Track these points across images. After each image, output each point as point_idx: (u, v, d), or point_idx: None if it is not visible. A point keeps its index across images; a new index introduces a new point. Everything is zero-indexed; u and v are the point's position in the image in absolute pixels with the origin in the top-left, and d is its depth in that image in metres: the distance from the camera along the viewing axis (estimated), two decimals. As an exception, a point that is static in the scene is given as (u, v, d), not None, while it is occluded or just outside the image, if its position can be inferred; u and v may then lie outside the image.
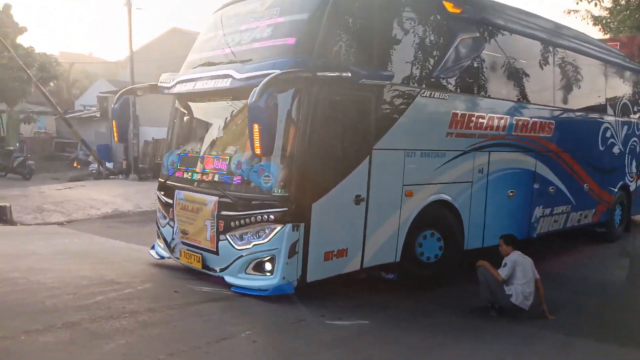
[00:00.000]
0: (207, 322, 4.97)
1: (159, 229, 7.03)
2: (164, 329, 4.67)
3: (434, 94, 6.85)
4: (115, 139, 7.05)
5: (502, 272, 6.27)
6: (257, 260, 5.71)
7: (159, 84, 7.01)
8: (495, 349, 5.22)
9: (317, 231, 5.72)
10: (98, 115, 24.99)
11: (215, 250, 6.00)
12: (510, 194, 8.24)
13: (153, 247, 7.20)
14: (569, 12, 18.78)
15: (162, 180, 6.89)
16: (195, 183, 6.36)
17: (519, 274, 6.26)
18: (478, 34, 7.42)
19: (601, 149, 10.40)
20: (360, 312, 5.84)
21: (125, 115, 7.05)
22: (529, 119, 8.40)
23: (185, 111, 6.97)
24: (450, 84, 7.13)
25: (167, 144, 7.27)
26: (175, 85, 6.66)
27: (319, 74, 5.44)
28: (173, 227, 6.62)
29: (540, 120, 8.64)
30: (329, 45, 5.77)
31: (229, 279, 5.88)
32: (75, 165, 23.48)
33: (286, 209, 5.56)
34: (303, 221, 5.62)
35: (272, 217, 5.59)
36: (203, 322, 4.95)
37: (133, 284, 5.75)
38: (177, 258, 6.59)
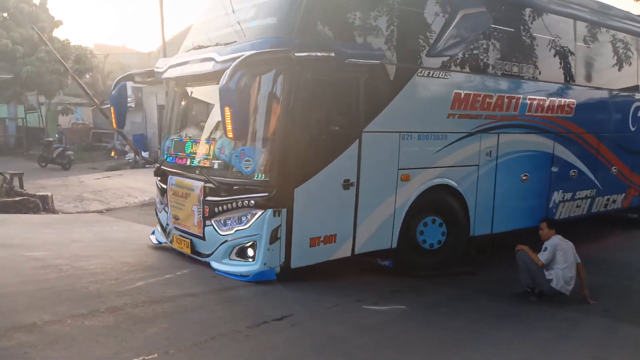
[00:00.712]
0: (245, 306, 5.02)
1: (157, 214, 7.06)
2: (204, 313, 4.73)
3: (433, 73, 6.52)
4: (114, 124, 7.10)
5: (542, 257, 6.06)
6: (240, 245, 5.63)
7: (155, 69, 7.00)
8: (537, 334, 5.03)
9: (300, 216, 5.57)
10: (133, 105, 25.50)
11: (202, 235, 5.95)
12: (524, 178, 7.81)
13: (153, 232, 7.24)
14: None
15: (158, 166, 6.90)
16: (185, 168, 6.32)
17: (560, 258, 6.05)
18: (484, 8, 7.01)
19: (632, 129, 9.72)
20: (397, 298, 5.79)
21: (123, 101, 7.08)
22: (545, 98, 7.91)
23: (178, 96, 6.92)
24: (452, 62, 6.77)
25: (164, 129, 7.25)
26: (167, 69, 6.63)
27: (296, 54, 5.24)
28: (167, 213, 6.62)
29: (559, 99, 8.13)
30: (311, 23, 5.55)
31: (214, 264, 5.83)
32: (112, 154, 24.10)
33: (267, 194, 5.43)
34: (285, 206, 5.48)
35: (252, 202, 5.48)
36: (241, 307, 5.00)
37: (171, 270, 5.82)
38: (171, 243, 6.60)
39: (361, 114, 5.93)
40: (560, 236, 6.29)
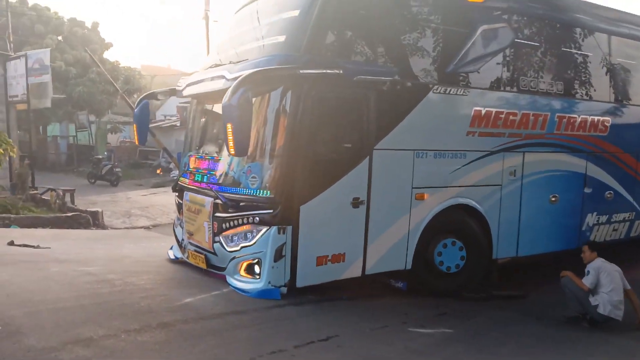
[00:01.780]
0: (292, 325, 5.03)
1: (174, 229, 7.15)
2: (251, 331, 4.78)
3: (450, 90, 6.36)
4: (136, 141, 7.28)
5: (587, 281, 5.86)
6: (247, 262, 5.60)
7: (176, 88, 7.16)
8: None
9: (307, 234, 5.50)
10: (178, 124, 26.31)
11: (213, 251, 5.97)
12: (553, 199, 7.46)
13: (172, 248, 7.33)
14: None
15: (177, 182, 7.01)
16: (199, 184, 6.38)
17: (604, 281, 5.82)
18: (505, 24, 6.82)
19: (676, 148, 9.14)
20: (443, 321, 5.72)
21: (145, 118, 7.26)
22: (576, 116, 7.58)
23: (196, 113, 7.05)
24: (471, 78, 6.59)
25: (184, 146, 7.39)
26: (185, 88, 6.76)
27: (302, 71, 5.23)
28: (183, 228, 6.70)
29: (592, 117, 7.76)
30: (319, 41, 5.54)
31: (228, 279, 5.83)
32: (158, 172, 24.82)
33: (271, 211, 5.40)
34: (290, 224, 5.43)
35: (257, 219, 5.46)
36: (287, 326, 5.00)
37: (218, 287, 5.86)
38: (187, 258, 6.65)
39: (372, 132, 5.83)
40: (602, 259, 6.06)
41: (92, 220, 11.45)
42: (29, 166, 14.88)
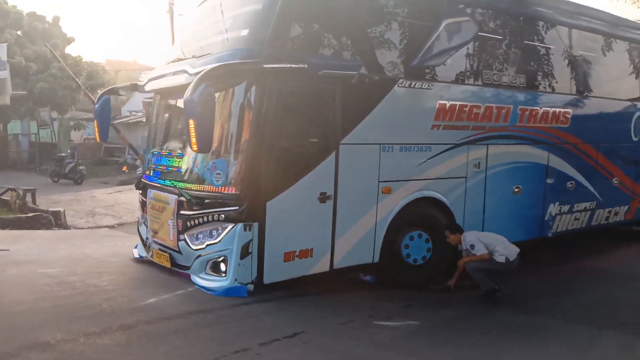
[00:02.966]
0: (258, 322, 4.97)
1: (138, 228, 7.01)
2: (216, 331, 4.71)
3: (415, 84, 6.39)
4: (97, 138, 7.09)
5: (481, 250, 6.12)
6: (213, 260, 5.53)
7: (138, 82, 7.00)
8: (556, 350, 4.90)
9: (273, 231, 5.46)
10: (144, 120, 25.82)
11: (177, 249, 5.88)
12: (516, 190, 7.60)
13: (136, 246, 7.19)
14: (616, -4, 17.29)
15: (140, 179, 6.86)
16: (163, 181, 6.26)
17: (488, 241, 6.19)
18: (468, 18, 6.88)
19: (634, 139, 9.42)
20: (410, 313, 5.71)
21: (106, 115, 7.07)
22: (538, 108, 7.72)
23: (159, 108, 6.91)
24: (436, 72, 6.64)
25: (147, 142, 7.23)
26: (147, 82, 6.62)
27: (265, 65, 5.17)
28: (147, 226, 6.57)
29: (553, 109, 7.92)
30: (283, 35, 5.49)
31: (193, 278, 5.75)
32: (123, 169, 24.27)
33: (237, 207, 5.34)
34: (257, 220, 5.38)
35: (222, 216, 5.39)
36: (254, 323, 4.94)
37: (183, 286, 5.75)
38: (151, 257, 6.53)
39: (338, 126, 5.82)
40: (468, 231, 6.44)
41: (54, 221, 11.08)
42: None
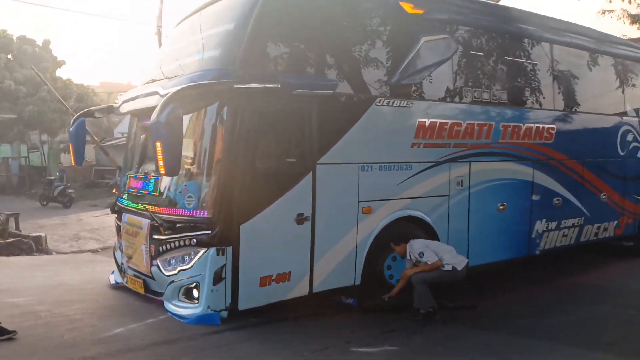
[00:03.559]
0: (227, 353, 4.74)
1: (114, 253, 6.84)
2: None
3: (393, 102, 6.30)
4: (72, 161, 6.96)
5: (431, 258, 5.92)
6: (185, 286, 5.36)
7: (114, 104, 6.90)
8: None
9: (248, 255, 5.31)
10: (135, 141, 25.77)
11: (151, 275, 5.71)
12: (501, 207, 7.47)
13: (113, 272, 7.01)
14: (603, 13, 17.49)
15: (115, 203, 6.71)
16: (136, 205, 6.11)
17: (435, 250, 6.02)
18: (446, 36, 6.82)
19: (621, 154, 9.34)
20: (389, 338, 5.47)
21: (81, 138, 6.96)
22: (521, 124, 7.63)
23: (134, 130, 6.80)
24: (415, 89, 6.56)
25: (123, 165, 7.10)
26: (121, 104, 6.52)
27: (236, 86, 5.06)
28: (122, 251, 6.40)
29: (536, 125, 7.84)
30: (256, 55, 5.39)
31: (166, 305, 5.57)
32: (114, 191, 23.92)
33: (209, 231, 5.19)
34: (230, 244, 5.22)
35: (194, 240, 5.24)
36: (222, 354, 4.71)
37: (157, 313, 5.57)
38: (126, 283, 6.34)
39: (314, 146, 5.70)
40: (413, 240, 6.18)
41: (35, 246, 10.83)
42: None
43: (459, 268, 5.94)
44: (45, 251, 11.04)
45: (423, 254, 5.92)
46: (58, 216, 17.02)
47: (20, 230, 12.17)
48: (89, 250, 11.54)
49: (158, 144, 4.65)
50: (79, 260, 10.08)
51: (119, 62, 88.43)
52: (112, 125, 30.31)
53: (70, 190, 20.62)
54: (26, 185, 24.49)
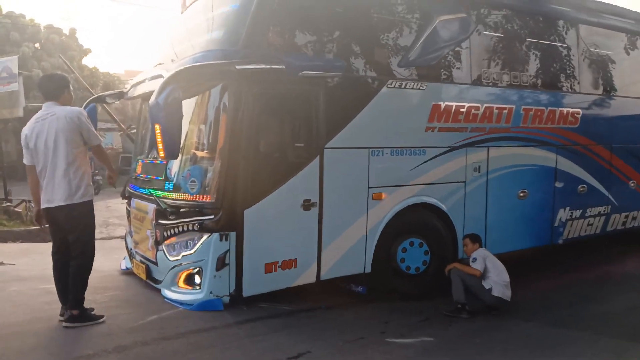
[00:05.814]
0: (262, 342, 4.63)
1: (125, 238, 6.82)
2: (217, 353, 4.39)
3: (406, 85, 6.06)
4: (84, 147, 6.92)
5: (476, 266, 5.76)
6: (187, 272, 5.27)
7: (124, 90, 6.85)
8: None
9: (252, 241, 5.19)
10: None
11: (155, 261, 5.65)
12: (522, 195, 7.17)
13: (125, 258, 6.99)
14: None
15: (125, 188, 6.68)
16: (143, 191, 6.05)
17: (490, 265, 5.79)
18: (464, 14, 6.52)
19: (653, 139, 8.87)
20: (426, 328, 5.31)
21: (92, 123, 6.91)
22: (543, 108, 7.29)
23: (143, 114, 6.73)
24: (429, 71, 6.29)
25: (134, 150, 7.05)
26: (130, 89, 6.45)
27: (238, 67, 4.90)
28: (132, 237, 6.37)
29: (561, 109, 7.48)
30: (259, 35, 5.21)
31: (163, 291, 5.49)
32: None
33: (212, 216, 5.08)
34: (234, 230, 5.10)
35: (197, 225, 5.14)
36: (258, 343, 4.60)
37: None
38: (133, 269, 6.31)
39: (322, 130, 5.52)
40: (483, 247, 6.11)
41: (65, 233, 10.91)
42: (1, 177, 14.40)
43: (494, 293, 5.70)
44: (76, 238, 11.10)
45: (476, 259, 5.83)
46: (87, 203, 17.21)
47: (51, 218, 12.27)
48: (119, 237, 11.59)
49: (156, 126, 4.55)
50: (108, 247, 10.06)
51: (143, 49, 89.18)
52: (137, 113, 30.59)
53: (98, 177, 20.88)
54: (56, 172, 24.94)
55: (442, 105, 6.30)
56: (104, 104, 7.49)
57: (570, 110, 7.58)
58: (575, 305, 6.07)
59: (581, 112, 7.70)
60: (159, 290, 5.61)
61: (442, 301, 5.85)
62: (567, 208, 7.73)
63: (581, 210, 7.91)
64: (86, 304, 4.92)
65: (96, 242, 10.57)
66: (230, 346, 4.51)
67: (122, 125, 23.98)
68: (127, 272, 6.62)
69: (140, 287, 6.11)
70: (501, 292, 5.68)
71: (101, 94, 7.34)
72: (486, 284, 5.72)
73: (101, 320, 4.85)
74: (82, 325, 4.72)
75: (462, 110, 6.46)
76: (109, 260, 8.19)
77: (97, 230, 11.81)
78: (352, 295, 6.03)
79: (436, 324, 5.41)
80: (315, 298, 5.67)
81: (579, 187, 7.83)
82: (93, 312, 4.91)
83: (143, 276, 5.85)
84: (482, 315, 5.65)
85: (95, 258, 8.23)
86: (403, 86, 6.02)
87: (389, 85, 5.93)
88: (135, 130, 8.46)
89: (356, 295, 6.05)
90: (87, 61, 26.03)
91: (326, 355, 4.44)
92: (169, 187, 5.51)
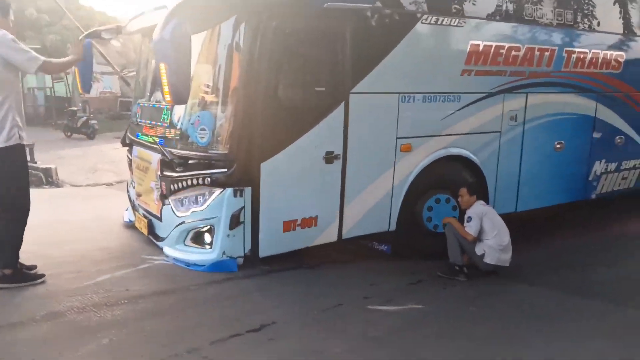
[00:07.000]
0: (223, 310, 4.07)
1: (127, 189, 6.29)
2: (166, 322, 3.84)
3: (443, 21, 5.34)
4: (79, 87, 6.27)
5: (470, 229, 5.08)
6: (196, 229, 4.75)
7: (123, 25, 6.11)
8: (593, 345, 3.82)
9: (270, 196, 4.64)
10: (160, 71, 24.97)
11: (159, 216, 5.12)
12: (558, 146, 6.58)
13: (127, 209, 6.48)
14: None
15: (125, 134, 6.08)
16: (146, 138, 5.45)
17: (487, 226, 5.11)
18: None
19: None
20: (417, 293, 4.72)
21: (88, 61, 6.19)
22: (587, 50, 6.58)
23: (143, 52, 6.03)
24: (468, 6, 5.55)
25: (135, 92, 6.38)
26: (129, 23, 5.73)
27: None
28: (134, 188, 5.83)
29: (604, 51, 6.77)
30: None
31: (166, 249, 4.99)
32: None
33: (225, 170, 4.50)
34: (249, 184, 4.55)
35: (209, 179, 4.57)
36: (217, 311, 4.04)
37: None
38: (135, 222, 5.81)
39: (347, 72, 4.86)
40: (482, 202, 5.40)
41: (45, 178, 10.25)
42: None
43: (487, 260, 5.07)
44: (56, 184, 10.54)
45: (470, 219, 5.12)
46: (80, 147, 16.66)
47: (36, 162, 11.70)
48: (104, 184, 11.02)
49: (162, 65, 3.89)
50: (89, 195, 9.49)
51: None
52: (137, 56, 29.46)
53: (93, 122, 20.26)
54: (52, 116, 24.22)
55: (481, 45, 5.60)
56: (99, 42, 6.73)
57: (614, 53, 6.88)
58: (585, 269, 5.56)
59: (625, 56, 7.00)
60: (131, 244, 5.12)
61: (447, 262, 5.26)
62: (603, 161, 7.17)
63: (617, 164, 7.37)
64: (36, 260, 4.40)
65: (78, 189, 10.16)
66: (183, 314, 3.92)
67: (116, 68, 23.05)
68: (131, 226, 6.12)
69: (105, 241, 5.58)
70: (496, 258, 5.04)
71: (97, 28, 6.57)
72: (479, 249, 5.09)
73: (39, 280, 4.31)
74: (16, 286, 4.19)
75: (501, 51, 5.76)
76: (87, 208, 7.59)
77: (83, 177, 11.42)
78: (341, 251, 5.46)
79: (429, 287, 4.85)
80: (299, 257, 5.09)
81: (617, 138, 7.25)
82: (33, 271, 4.39)
83: (145, 231, 5.36)
84: (483, 278, 5.10)
85: (72, 206, 7.64)
86: (439, 22, 5.31)
87: (424, 21, 5.22)
88: (134, 73, 7.82)
89: (345, 251, 5.51)
90: (85, 1, 24.76)
91: (291, 327, 3.86)
92: (174, 135, 4.90)
